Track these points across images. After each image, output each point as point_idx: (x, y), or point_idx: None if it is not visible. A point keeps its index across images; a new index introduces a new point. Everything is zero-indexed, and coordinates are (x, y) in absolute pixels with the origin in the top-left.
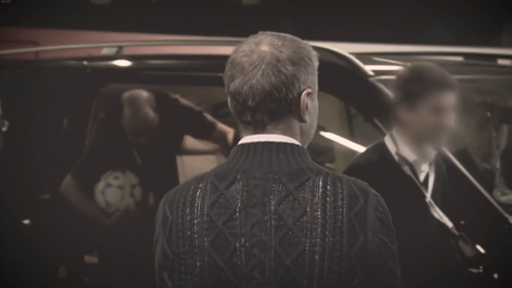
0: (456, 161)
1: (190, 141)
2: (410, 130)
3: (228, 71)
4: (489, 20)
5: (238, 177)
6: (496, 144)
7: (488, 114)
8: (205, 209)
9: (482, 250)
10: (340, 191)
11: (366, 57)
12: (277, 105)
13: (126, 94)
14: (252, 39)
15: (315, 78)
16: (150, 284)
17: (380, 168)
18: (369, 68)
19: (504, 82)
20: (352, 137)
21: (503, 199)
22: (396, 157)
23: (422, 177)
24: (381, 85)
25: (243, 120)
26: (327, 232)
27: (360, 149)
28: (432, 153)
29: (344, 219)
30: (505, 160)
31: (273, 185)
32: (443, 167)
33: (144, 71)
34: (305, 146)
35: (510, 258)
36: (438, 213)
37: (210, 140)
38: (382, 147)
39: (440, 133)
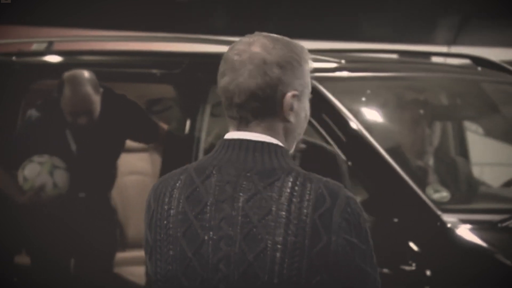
0: (389, 158)
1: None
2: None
3: (221, 68)
4: (423, 17)
5: (214, 172)
6: (429, 142)
7: (421, 111)
8: (181, 201)
9: (415, 248)
10: (308, 192)
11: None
12: (261, 105)
13: (67, 73)
14: (247, 39)
15: (304, 81)
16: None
17: None
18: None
19: (437, 79)
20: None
21: (436, 196)
22: None
23: None
24: (315, 83)
25: (230, 115)
26: (289, 232)
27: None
28: None
29: (308, 220)
30: (438, 157)
31: (244, 182)
32: None
33: (75, 67)
34: (292, 146)
35: (442, 255)
36: None
37: (147, 143)
38: None
39: None
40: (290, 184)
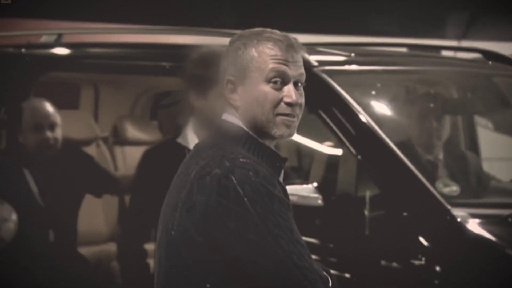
0: (399, 152)
1: (132, 132)
2: (203, 117)
3: None
4: (434, 12)
5: (190, 150)
6: (438, 136)
7: (431, 105)
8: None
9: (424, 242)
10: (203, 159)
11: (311, 48)
12: (222, 90)
13: (27, 104)
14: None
15: (244, 66)
16: None
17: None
18: (313, 58)
19: (447, 73)
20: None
21: (446, 190)
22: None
23: None
24: (325, 76)
25: None
26: (182, 194)
27: (304, 141)
28: None
29: (190, 181)
30: (448, 151)
31: (192, 162)
32: None
33: (84, 60)
34: (265, 130)
35: (452, 249)
36: None
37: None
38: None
39: None
40: (204, 155)
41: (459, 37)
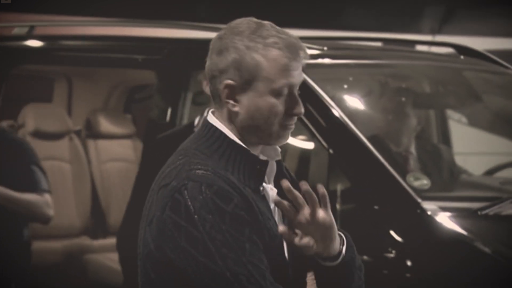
0: (370, 146)
1: (105, 126)
2: None
3: None
4: (409, 6)
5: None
6: (410, 130)
7: (403, 99)
8: None
9: (395, 235)
10: (168, 170)
11: None
12: (211, 89)
13: None
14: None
15: (250, 73)
16: None
17: None
18: None
19: (420, 67)
20: None
21: (416, 184)
22: None
23: None
24: None
25: None
26: (148, 204)
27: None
28: None
29: (153, 193)
30: (420, 145)
31: (163, 169)
32: None
33: (57, 52)
34: (255, 140)
35: (422, 242)
36: None
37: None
38: None
39: None
40: (172, 162)
41: (434, 32)
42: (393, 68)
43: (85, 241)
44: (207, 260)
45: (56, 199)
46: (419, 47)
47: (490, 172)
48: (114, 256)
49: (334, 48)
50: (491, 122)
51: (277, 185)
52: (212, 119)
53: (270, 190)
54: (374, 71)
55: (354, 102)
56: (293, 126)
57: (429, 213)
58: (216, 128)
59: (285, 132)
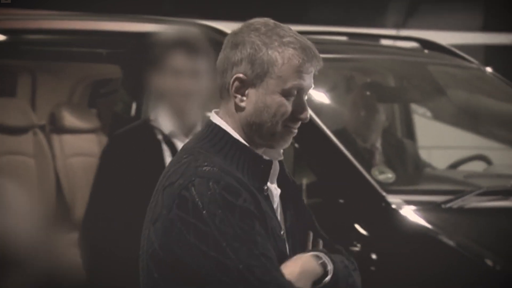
0: (336, 139)
1: (69, 120)
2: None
3: None
4: (373, 1)
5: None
6: (375, 124)
7: (368, 93)
8: None
9: (360, 228)
10: (173, 168)
11: None
12: (219, 82)
13: None
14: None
15: (262, 68)
16: None
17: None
18: None
19: (384, 61)
20: None
21: (381, 177)
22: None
23: None
24: None
25: None
26: (153, 203)
27: None
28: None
29: (159, 192)
30: (385, 139)
31: (167, 168)
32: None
33: (20, 46)
34: (257, 139)
35: (387, 235)
36: None
37: None
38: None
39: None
40: (177, 162)
41: (398, 26)
42: (358, 63)
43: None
44: (219, 255)
45: (21, 194)
46: (384, 41)
47: (454, 166)
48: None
49: None
50: (455, 116)
51: (279, 185)
52: (215, 118)
53: (274, 189)
54: (339, 65)
55: (320, 96)
56: (296, 131)
57: (393, 206)
58: (220, 128)
59: (288, 135)
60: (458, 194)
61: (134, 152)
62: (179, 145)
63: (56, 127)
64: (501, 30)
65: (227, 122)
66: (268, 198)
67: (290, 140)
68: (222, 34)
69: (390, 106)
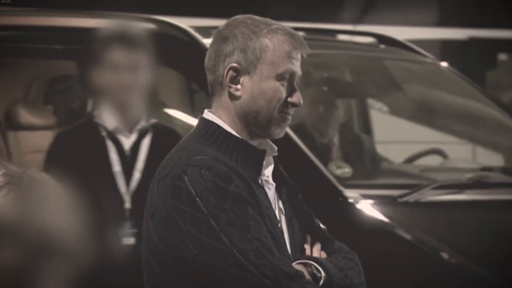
0: (293, 134)
1: (25, 117)
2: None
3: None
4: None
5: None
6: (334, 119)
7: (325, 88)
8: None
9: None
10: (167, 161)
11: (206, 31)
12: (210, 76)
13: None
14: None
15: (254, 56)
16: None
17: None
18: (207, 42)
19: (342, 57)
20: (194, 113)
21: (338, 172)
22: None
23: (127, 146)
24: None
25: None
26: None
27: None
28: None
29: (154, 185)
30: (342, 134)
31: (162, 163)
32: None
33: None
34: (253, 128)
35: (344, 230)
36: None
37: None
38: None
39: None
40: (171, 157)
41: (355, 21)
42: (315, 58)
43: None
44: (213, 240)
45: None
46: (341, 37)
47: (410, 160)
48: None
49: None
50: (411, 110)
51: (275, 182)
52: (208, 115)
53: (269, 182)
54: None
55: None
56: (290, 118)
57: (350, 200)
58: (213, 122)
59: (283, 122)
60: (414, 188)
61: (78, 150)
62: (124, 141)
63: (11, 124)
64: (457, 25)
65: (220, 117)
66: (263, 190)
67: (285, 128)
68: (178, 29)
69: (347, 101)
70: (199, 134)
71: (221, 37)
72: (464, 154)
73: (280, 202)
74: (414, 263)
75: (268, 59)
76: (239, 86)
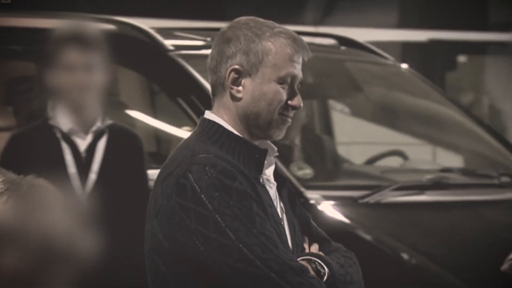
0: None
1: None
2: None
3: None
4: None
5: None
6: (294, 120)
7: None
8: None
9: None
10: (170, 161)
11: (168, 32)
12: (212, 77)
13: None
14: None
15: (256, 58)
16: None
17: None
18: (169, 43)
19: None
20: (155, 115)
21: (300, 173)
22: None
23: (83, 148)
24: (181, 60)
25: None
26: (151, 196)
27: (164, 127)
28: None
29: (158, 185)
30: (303, 135)
31: (165, 164)
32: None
33: None
34: (253, 129)
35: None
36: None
37: None
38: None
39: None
40: (174, 157)
41: (317, 23)
42: None
43: None
44: (219, 236)
45: None
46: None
47: (371, 161)
48: None
49: None
50: (372, 112)
51: (275, 182)
52: (210, 115)
53: (271, 182)
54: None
55: None
56: (290, 120)
57: (312, 202)
58: (214, 122)
59: (283, 124)
60: (374, 189)
61: (33, 152)
62: (79, 142)
63: None
64: (416, 27)
65: (221, 117)
66: (265, 188)
67: (284, 130)
68: (138, 30)
69: (309, 103)
70: (201, 133)
71: (224, 39)
72: (424, 156)
73: (281, 202)
74: (375, 264)
75: (270, 62)
76: (240, 88)
